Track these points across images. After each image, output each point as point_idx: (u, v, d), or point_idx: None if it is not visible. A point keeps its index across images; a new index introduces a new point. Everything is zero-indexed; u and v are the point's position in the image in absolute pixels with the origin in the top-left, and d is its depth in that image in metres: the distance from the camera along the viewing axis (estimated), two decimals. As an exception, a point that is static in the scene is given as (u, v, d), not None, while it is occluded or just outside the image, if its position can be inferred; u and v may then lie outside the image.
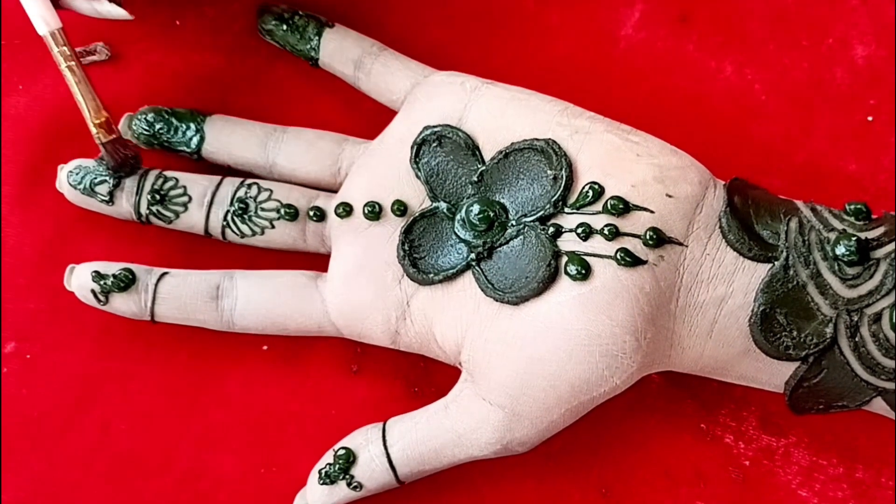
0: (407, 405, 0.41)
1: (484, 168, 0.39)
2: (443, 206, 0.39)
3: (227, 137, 0.42)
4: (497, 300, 0.37)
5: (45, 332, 0.42)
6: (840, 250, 0.35)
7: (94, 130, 0.39)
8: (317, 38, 0.43)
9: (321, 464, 0.38)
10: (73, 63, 0.39)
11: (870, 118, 0.44)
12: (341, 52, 0.43)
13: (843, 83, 0.44)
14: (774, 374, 0.36)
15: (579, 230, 0.36)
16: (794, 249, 0.35)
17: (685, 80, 0.45)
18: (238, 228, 0.41)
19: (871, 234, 0.35)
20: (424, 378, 0.41)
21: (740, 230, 0.36)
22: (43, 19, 0.39)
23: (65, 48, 0.39)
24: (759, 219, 0.36)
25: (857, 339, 0.35)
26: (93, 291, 0.40)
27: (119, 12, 0.40)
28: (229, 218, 0.41)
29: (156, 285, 0.40)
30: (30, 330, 0.42)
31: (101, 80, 0.44)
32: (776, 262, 0.35)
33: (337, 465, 0.38)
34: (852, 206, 0.36)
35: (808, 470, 0.40)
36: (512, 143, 0.38)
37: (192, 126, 0.42)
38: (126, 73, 0.45)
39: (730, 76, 0.45)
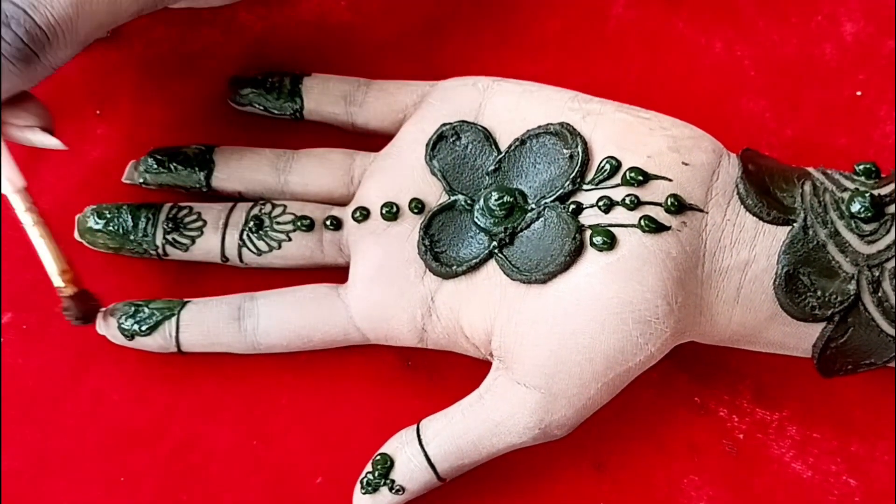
0: (400, 378, 0.34)
1: (501, 156, 0.32)
2: (461, 198, 0.32)
3: (237, 162, 0.35)
4: (524, 282, 0.30)
5: (41, 303, 0.35)
6: (855, 207, 0.30)
7: (59, 283, 0.32)
8: (296, 88, 0.35)
9: (362, 475, 0.31)
10: (39, 222, 0.31)
11: (859, 93, 0.36)
12: (327, 92, 0.35)
13: (832, 59, 0.37)
14: (802, 338, 0.30)
15: (600, 203, 0.31)
16: (811, 211, 0.30)
17: (675, 58, 0.37)
18: (255, 245, 0.33)
19: (883, 191, 0.30)
20: (418, 351, 0.34)
21: (758, 195, 0.30)
22: (8, 179, 0.31)
23: (32, 207, 0.31)
24: (774, 184, 0.31)
25: (879, 295, 0.29)
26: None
27: (52, 142, 0.32)
28: (245, 236, 0.33)
29: (178, 314, 0.33)
30: (27, 301, 0.35)
31: (100, 59, 0.37)
32: (795, 224, 0.30)
33: (376, 472, 0.30)
34: (861, 167, 0.31)
35: (801, 443, 0.33)
36: (527, 131, 0.32)
37: (201, 156, 0.35)
38: (125, 51, 0.38)
39: (719, 53, 0.37)
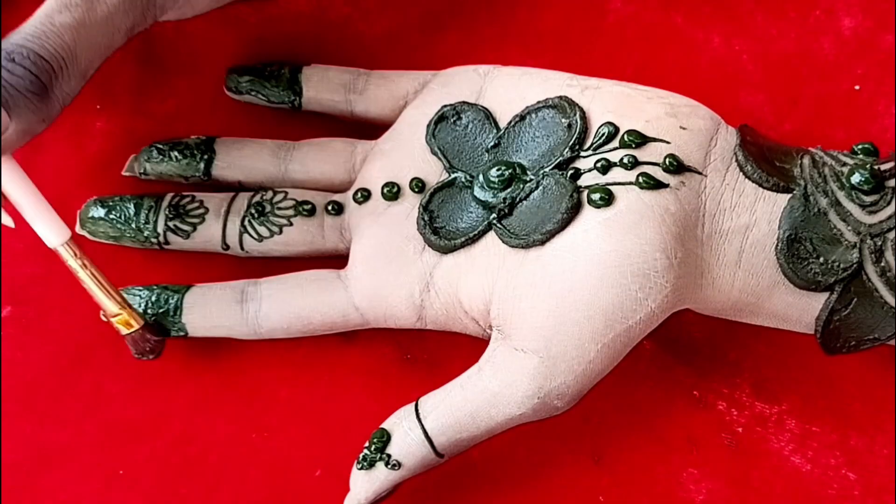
0: (399, 370, 0.34)
1: (500, 132, 0.32)
2: (461, 175, 0.32)
3: (238, 151, 0.35)
4: (523, 246, 0.30)
5: (41, 296, 0.35)
6: (856, 179, 0.29)
7: (114, 324, 0.31)
8: (295, 77, 0.35)
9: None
10: (88, 268, 0.30)
11: (857, 87, 0.36)
12: (327, 81, 0.35)
13: (831, 53, 0.37)
14: (805, 310, 0.30)
15: (598, 165, 0.30)
16: (811, 181, 0.29)
17: (673, 52, 0.37)
18: (256, 231, 0.33)
19: (883, 167, 0.29)
20: (417, 343, 0.34)
21: (756, 162, 0.30)
22: (53, 232, 0.30)
23: (78, 254, 0.30)
24: (773, 156, 0.30)
25: (882, 265, 0.29)
26: None
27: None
28: (246, 222, 0.33)
29: (182, 296, 0.33)
30: (26, 294, 0.35)
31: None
32: (795, 192, 0.29)
33: (373, 447, 0.30)
34: (860, 146, 0.31)
35: (801, 437, 0.32)
36: (526, 107, 0.32)
37: (202, 146, 0.35)
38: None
39: (718, 47, 0.37)
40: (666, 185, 0.29)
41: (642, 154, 0.30)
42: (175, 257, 0.34)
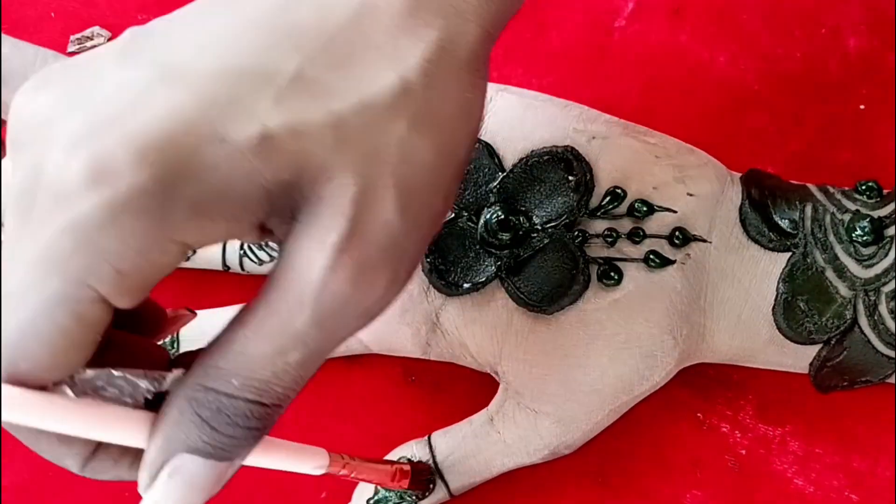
0: (404, 392, 0.34)
1: (504, 175, 0.32)
2: (464, 215, 0.32)
3: None
4: (532, 310, 0.31)
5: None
6: (855, 232, 0.30)
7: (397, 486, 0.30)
8: None
9: (375, 492, 0.31)
10: (353, 466, 0.27)
11: (862, 107, 0.36)
12: None
13: (836, 73, 0.37)
14: (799, 358, 0.31)
15: (606, 235, 0.30)
16: (811, 236, 0.30)
17: (679, 71, 0.37)
18: (255, 255, 0.34)
19: (884, 212, 0.30)
20: (421, 365, 0.34)
21: (759, 223, 0.30)
22: (312, 466, 0.26)
23: (344, 466, 0.27)
24: (776, 209, 0.31)
25: (875, 318, 0.29)
26: None
27: None
28: (246, 246, 0.34)
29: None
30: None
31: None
32: (795, 251, 0.30)
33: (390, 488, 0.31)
34: (864, 185, 0.31)
35: (804, 459, 0.32)
36: (532, 152, 0.32)
37: None
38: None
39: (723, 67, 0.37)
40: (673, 262, 0.30)
41: (649, 226, 0.30)
42: (177, 273, 0.35)
